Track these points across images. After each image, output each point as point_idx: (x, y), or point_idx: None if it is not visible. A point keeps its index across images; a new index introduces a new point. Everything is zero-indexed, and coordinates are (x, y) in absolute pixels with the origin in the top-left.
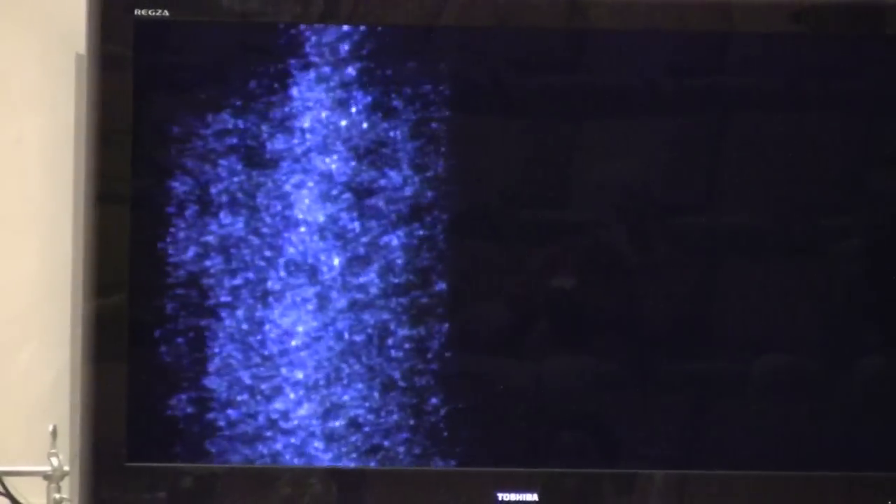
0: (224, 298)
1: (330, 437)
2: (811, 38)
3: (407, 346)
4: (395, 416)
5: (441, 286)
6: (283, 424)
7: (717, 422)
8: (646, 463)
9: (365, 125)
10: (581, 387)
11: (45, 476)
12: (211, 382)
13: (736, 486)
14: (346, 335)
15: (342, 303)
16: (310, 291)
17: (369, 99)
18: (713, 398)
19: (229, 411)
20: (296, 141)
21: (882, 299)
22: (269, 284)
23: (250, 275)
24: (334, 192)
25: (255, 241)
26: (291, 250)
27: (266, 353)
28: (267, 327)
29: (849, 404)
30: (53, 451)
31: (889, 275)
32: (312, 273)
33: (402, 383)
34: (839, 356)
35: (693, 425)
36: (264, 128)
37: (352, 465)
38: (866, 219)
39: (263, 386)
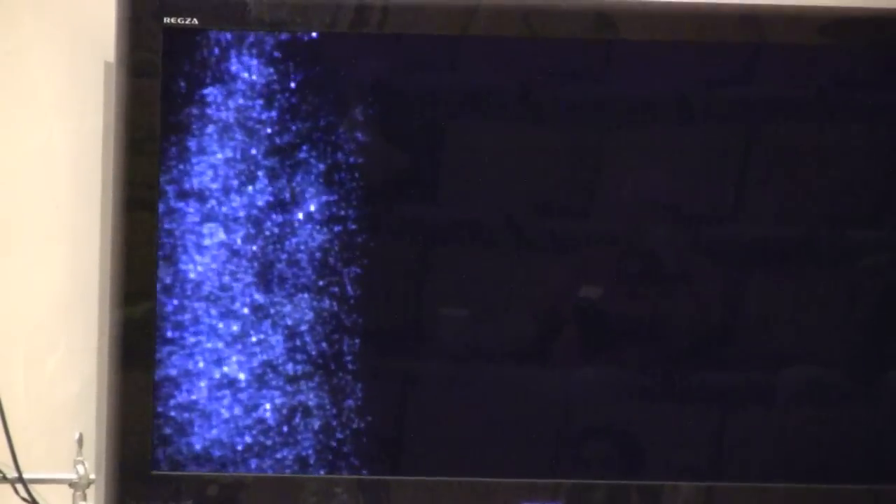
0: (250, 307)
1: (357, 447)
2: (839, 49)
3: (434, 355)
4: (419, 427)
5: (467, 297)
6: (308, 434)
7: (744, 433)
8: (672, 474)
9: (394, 134)
10: (607, 397)
11: (71, 483)
12: (237, 391)
13: (762, 498)
14: (371, 346)
15: (369, 314)
16: (337, 298)
17: (398, 107)
18: (740, 410)
19: (256, 420)
20: (325, 150)
21: None
22: (297, 293)
23: (276, 281)
24: (367, 201)
25: (282, 246)
26: (319, 258)
27: (296, 362)
28: (296, 337)
29: (876, 417)
30: (79, 458)
31: None
32: (341, 277)
33: (427, 393)
34: (867, 368)
35: (720, 437)
36: (292, 134)
37: (377, 474)
38: (893, 229)
39: (289, 395)
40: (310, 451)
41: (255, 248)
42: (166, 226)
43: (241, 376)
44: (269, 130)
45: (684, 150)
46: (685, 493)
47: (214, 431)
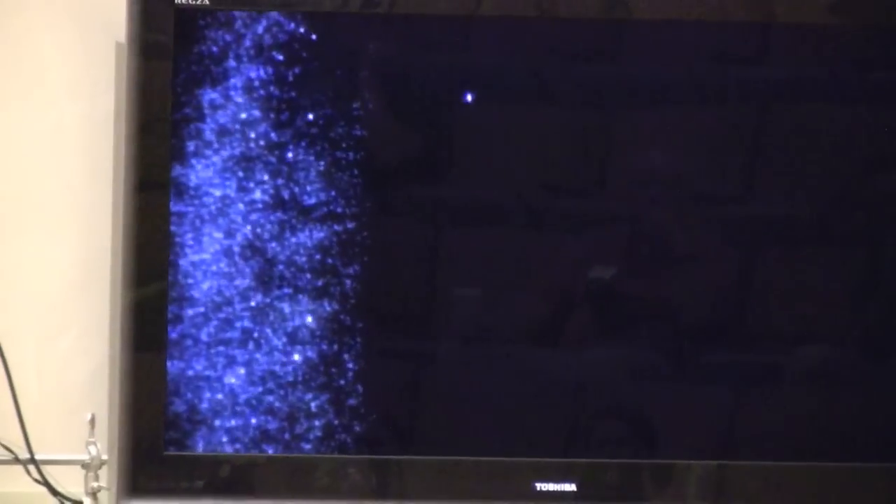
0: (263, 287)
1: (369, 427)
2: (849, 28)
3: (446, 335)
4: (432, 407)
5: (479, 277)
6: (320, 414)
7: (756, 413)
8: (684, 453)
9: (407, 115)
10: (620, 377)
11: (83, 465)
12: (250, 373)
13: (774, 476)
14: (386, 325)
15: (382, 293)
16: (350, 274)
17: (408, 87)
18: (751, 389)
19: (269, 401)
20: (337, 125)
21: None
22: (307, 273)
23: (286, 265)
24: (379, 176)
25: (292, 229)
26: (330, 239)
27: (305, 342)
28: (308, 317)
29: (887, 396)
30: (92, 439)
31: None
32: (349, 256)
33: (440, 373)
34: (878, 348)
35: (731, 416)
36: (304, 116)
37: (390, 455)
38: None
39: (302, 376)
40: (322, 432)
41: (266, 227)
42: (178, 207)
43: (254, 357)
44: (280, 111)
45: (695, 129)
46: (697, 472)
47: (227, 412)
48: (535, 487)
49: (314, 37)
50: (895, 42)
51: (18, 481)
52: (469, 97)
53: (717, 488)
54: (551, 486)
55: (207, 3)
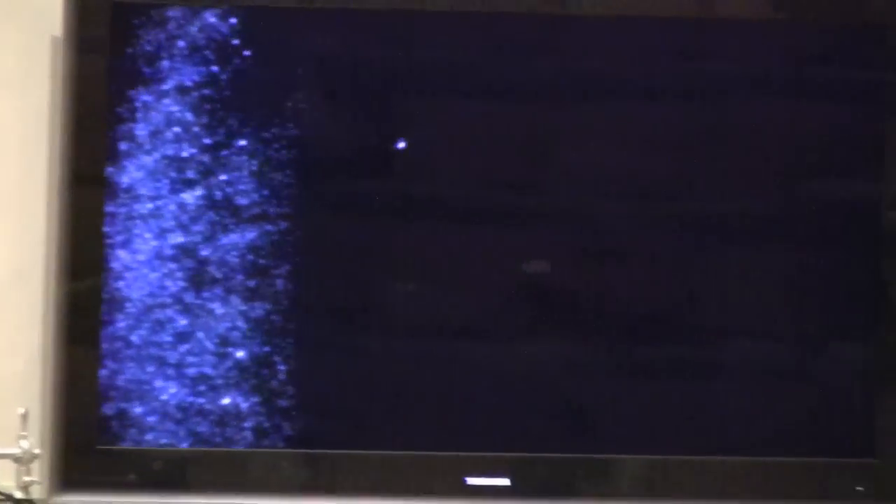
0: (198, 285)
1: (302, 423)
2: (790, 25)
3: (378, 329)
4: (366, 402)
5: (415, 271)
6: (253, 408)
7: (691, 407)
8: (619, 448)
9: (347, 109)
10: (556, 372)
11: (15, 459)
12: (182, 366)
13: (709, 471)
14: (319, 321)
15: (314, 289)
16: (282, 273)
17: (350, 82)
18: (688, 384)
19: (199, 395)
20: (273, 123)
21: (858, 286)
22: (241, 268)
23: (225, 257)
24: (313, 174)
25: (229, 225)
26: (269, 231)
27: (238, 337)
28: (242, 312)
29: (821, 391)
30: (24, 433)
31: (866, 261)
32: (283, 254)
33: (374, 368)
34: (814, 342)
35: (667, 410)
36: (241, 112)
37: (322, 449)
38: (841, 206)
39: (235, 370)
40: (256, 426)
41: (203, 222)
42: (113, 201)
43: (188, 352)
44: (217, 106)
45: (635, 125)
46: (632, 467)
47: (160, 406)
48: (468, 482)
49: (251, 32)
50: (837, 38)
51: None
52: (408, 93)
53: (651, 483)
54: (484, 481)
55: None
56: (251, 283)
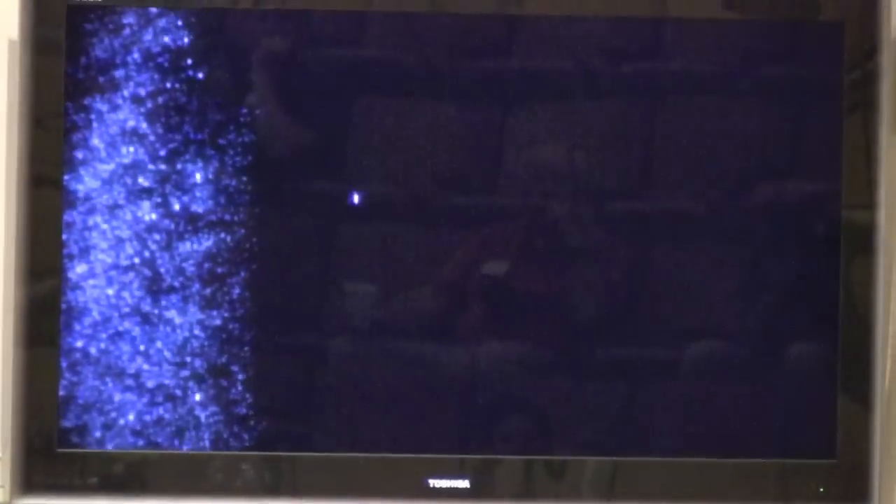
0: (157, 285)
1: (262, 424)
2: (744, 24)
3: (337, 332)
4: (326, 403)
5: (372, 271)
6: (214, 411)
7: (650, 408)
8: (578, 450)
9: (299, 110)
10: (513, 373)
11: None
12: (142, 369)
13: (668, 472)
14: (278, 325)
15: (272, 293)
16: (242, 276)
17: (303, 83)
18: (646, 385)
19: (163, 397)
20: (232, 123)
21: (815, 286)
22: (197, 272)
23: (182, 263)
24: (269, 176)
25: (187, 228)
26: (221, 233)
27: (197, 340)
28: (199, 314)
29: (782, 391)
30: None
31: (823, 261)
32: (246, 258)
33: (333, 369)
34: (772, 343)
35: (626, 412)
36: (197, 113)
37: (283, 451)
38: (799, 206)
39: (194, 373)
40: (216, 429)
41: (161, 225)
42: (71, 202)
43: (147, 354)
44: (172, 106)
45: (589, 125)
46: (591, 468)
47: (120, 409)
48: (428, 483)
49: (207, 33)
50: (789, 37)
51: None
52: (361, 93)
53: (611, 484)
54: (444, 483)
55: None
56: (210, 279)
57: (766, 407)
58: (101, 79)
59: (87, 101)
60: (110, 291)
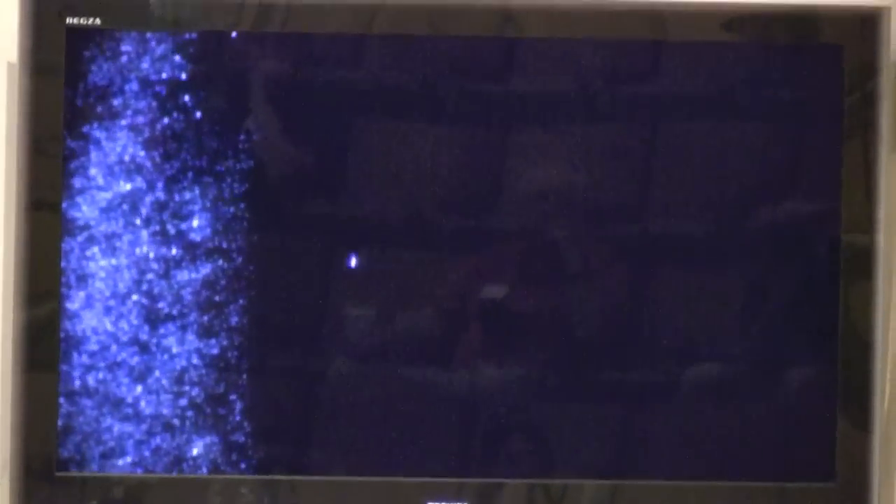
0: (154, 306)
1: (262, 448)
2: (743, 46)
3: (338, 355)
4: (326, 427)
5: (371, 294)
6: (214, 434)
7: (650, 431)
8: (579, 472)
9: (298, 134)
10: (513, 396)
11: None
12: (141, 393)
13: (668, 495)
14: (278, 348)
15: (272, 316)
16: (241, 297)
17: (302, 106)
18: (646, 407)
19: (162, 420)
20: (232, 148)
21: (815, 309)
22: (201, 291)
23: (180, 289)
24: (268, 200)
25: (187, 254)
26: (222, 255)
27: (202, 362)
28: (201, 337)
29: (781, 414)
30: None
31: (822, 284)
32: (244, 274)
33: (333, 393)
34: (772, 365)
35: (626, 435)
36: (195, 137)
37: (281, 475)
38: (798, 228)
39: (195, 394)
40: (216, 452)
41: (159, 248)
42: (70, 226)
43: (147, 376)
44: (171, 130)
45: (589, 147)
46: (591, 491)
47: (120, 432)
48: None
49: (205, 56)
50: (788, 60)
51: None
52: (362, 115)
53: None
54: None
55: (99, 22)
56: (211, 301)
57: (765, 429)
58: (99, 102)
59: (85, 123)
60: (109, 319)
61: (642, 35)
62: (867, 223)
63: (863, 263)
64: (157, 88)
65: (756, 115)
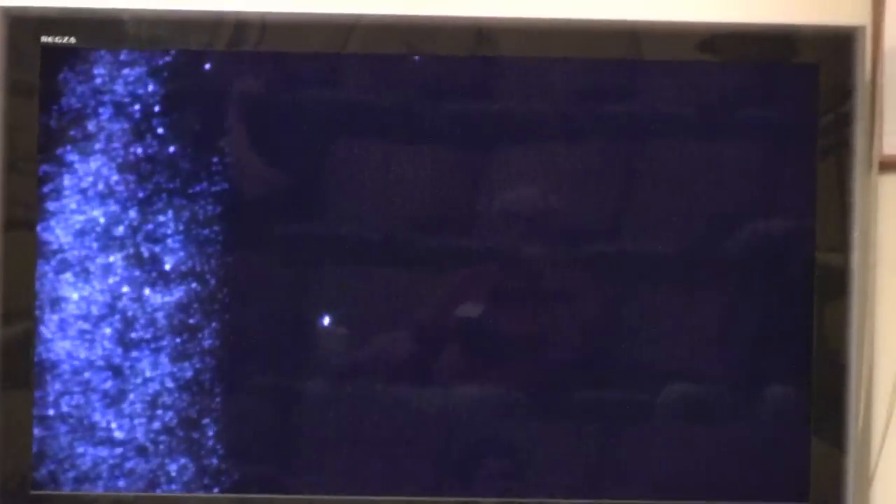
0: (132, 329)
1: (238, 466)
2: (720, 65)
3: (314, 374)
4: (304, 446)
5: (350, 315)
6: (190, 454)
7: (626, 451)
8: (555, 492)
9: (273, 153)
10: (489, 415)
11: None
12: (115, 412)
13: None
14: (254, 366)
15: (251, 333)
16: (217, 315)
17: (277, 125)
18: (622, 427)
19: (138, 439)
20: (205, 167)
21: (789, 329)
22: (177, 310)
23: (159, 300)
24: (243, 220)
25: (163, 266)
26: (198, 273)
27: (178, 381)
28: (177, 356)
29: (756, 434)
30: None
31: (796, 304)
32: (221, 293)
33: (312, 412)
34: (746, 386)
35: (602, 454)
36: (170, 156)
37: (259, 493)
38: (773, 247)
39: (171, 414)
40: (192, 470)
41: (134, 267)
42: (44, 245)
43: (122, 395)
44: (145, 148)
45: (564, 166)
46: None
47: (95, 451)
48: None
49: (180, 75)
50: (764, 79)
51: None
52: (337, 134)
53: None
54: None
55: (74, 41)
56: (186, 321)
57: (740, 449)
58: (73, 120)
59: (60, 142)
60: (85, 338)
61: (618, 54)
62: (842, 242)
63: (837, 283)
64: (133, 106)
65: (732, 133)
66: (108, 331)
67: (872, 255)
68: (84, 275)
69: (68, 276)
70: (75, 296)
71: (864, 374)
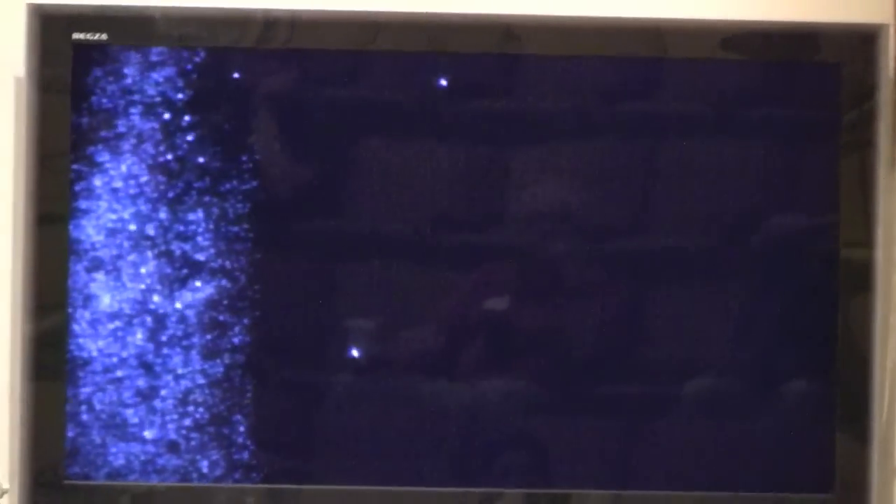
0: (161, 318)
1: (267, 457)
2: (743, 64)
3: (343, 368)
4: (330, 438)
5: (373, 310)
6: (221, 443)
7: (650, 442)
8: (579, 484)
9: (302, 150)
10: (513, 408)
11: None
12: (150, 401)
13: None
14: (281, 360)
15: (279, 327)
16: (247, 310)
17: (306, 123)
18: (646, 420)
19: (169, 430)
20: (235, 163)
21: (813, 323)
22: (206, 304)
23: (190, 297)
24: (275, 215)
25: (194, 263)
26: (227, 269)
27: (207, 373)
28: (207, 350)
29: (780, 426)
30: None
31: (820, 299)
32: (250, 289)
33: (338, 405)
34: (771, 379)
35: (626, 446)
36: (201, 151)
37: (286, 484)
38: (797, 244)
39: (201, 405)
40: (222, 461)
41: (163, 261)
42: (76, 240)
43: (154, 386)
44: (177, 144)
45: (588, 163)
46: (593, 502)
47: (127, 441)
48: None
49: (210, 72)
50: (787, 77)
51: None
52: (363, 131)
53: None
54: None
55: (105, 38)
56: (215, 315)
57: (764, 441)
58: (105, 116)
59: (92, 138)
60: (117, 330)
61: (642, 52)
62: (865, 238)
63: (861, 278)
64: (163, 103)
65: (755, 131)
66: (138, 330)
67: None
68: (115, 273)
69: (99, 274)
70: (106, 296)
71: (888, 366)
